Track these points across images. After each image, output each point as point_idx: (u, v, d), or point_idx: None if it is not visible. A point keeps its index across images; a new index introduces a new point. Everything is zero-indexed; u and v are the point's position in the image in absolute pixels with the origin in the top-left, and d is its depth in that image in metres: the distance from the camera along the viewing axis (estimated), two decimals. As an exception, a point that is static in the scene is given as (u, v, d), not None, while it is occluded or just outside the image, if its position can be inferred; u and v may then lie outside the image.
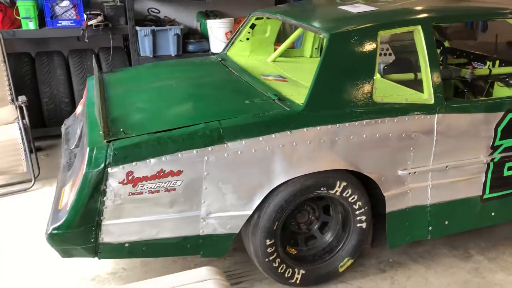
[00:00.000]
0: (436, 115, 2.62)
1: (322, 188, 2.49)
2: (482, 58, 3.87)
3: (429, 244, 3.08)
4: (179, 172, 2.27)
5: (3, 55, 4.27)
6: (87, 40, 4.62)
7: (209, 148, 2.29)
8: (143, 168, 2.22)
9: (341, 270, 2.71)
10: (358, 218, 2.63)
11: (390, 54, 3.76)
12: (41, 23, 4.63)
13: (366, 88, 2.52)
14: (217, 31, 5.13)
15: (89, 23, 4.57)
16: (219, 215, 2.39)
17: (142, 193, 2.25)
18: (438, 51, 3.80)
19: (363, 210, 2.62)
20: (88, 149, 2.21)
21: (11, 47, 4.95)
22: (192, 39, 5.24)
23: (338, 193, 2.53)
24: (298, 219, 2.70)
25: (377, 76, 2.73)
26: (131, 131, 2.30)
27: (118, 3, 4.84)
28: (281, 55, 3.72)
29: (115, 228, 2.28)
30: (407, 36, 3.94)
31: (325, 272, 2.69)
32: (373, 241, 2.99)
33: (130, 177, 2.21)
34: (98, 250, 2.32)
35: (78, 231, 2.24)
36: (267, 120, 2.39)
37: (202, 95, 2.83)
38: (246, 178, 2.37)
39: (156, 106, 2.68)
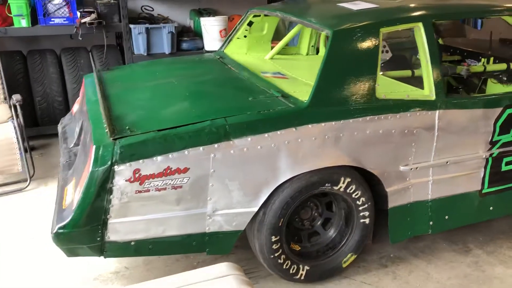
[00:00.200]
0: (437, 111, 2.65)
1: (326, 184, 2.51)
2: (476, 55, 3.93)
3: (428, 239, 3.11)
4: (186, 170, 2.26)
5: (-4, 53, 4.22)
6: (80, 38, 4.58)
7: (216, 145, 2.29)
8: (150, 165, 2.21)
9: (344, 265, 2.73)
10: (361, 213, 2.65)
11: (387, 51, 3.79)
12: (34, 20, 4.57)
13: (369, 84, 2.53)
14: (211, 29, 5.13)
15: (83, 20, 4.53)
16: (225, 212, 2.39)
17: (149, 190, 2.24)
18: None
19: (366, 205, 2.64)
20: (94, 147, 2.19)
21: (1, 46, 4.90)
22: (186, 37, 5.22)
23: (342, 189, 2.55)
24: (302, 215, 2.71)
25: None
26: (136, 129, 2.29)
27: (112, 1, 4.79)
28: (278, 53, 3.72)
29: (122, 226, 2.27)
30: (403, 34, 4.00)
31: (329, 268, 2.70)
32: (373, 236, 3.01)
33: (137, 175, 2.20)
34: (104, 249, 2.30)
35: (84, 230, 2.22)
36: (273, 116, 2.40)
37: (204, 92, 2.82)
38: (252, 175, 2.37)
39: (159, 104, 2.66)
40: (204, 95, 2.76)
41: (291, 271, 2.60)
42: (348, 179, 2.54)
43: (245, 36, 3.75)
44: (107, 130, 2.24)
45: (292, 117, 2.42)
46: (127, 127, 2.29)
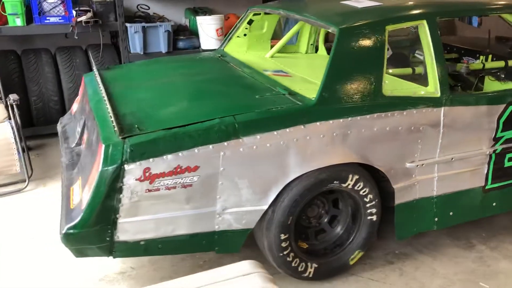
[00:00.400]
0: (443, 108, 2.67)
1: (335, 182, 2.51)
2: (473, 53, 3.96)
3: (432, 235, 3.13)
4: (196, 168, 2.25)
5: (-10, 52, 4.15)
6: (76, 37, 4.53)
7: (225, 143, 2.28)
8: (160, 164, 2.19)
9: (351, 262, 2.73)
10: (368, 210, 2.66)
11: (387, 49, 3.80)
12: (28, 19, 4.51)
13: (376, 81, 2.54)
14: (207, 27, 5.10)
15: (79, 19, 4.48)
16: (234, 210, 2.38)
17: (159, 189, 2.22)
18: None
19: (374, 202, 2.65)
20: (103, 146, 2.17)
21: (-5, 45, 4.82)
22: (182, 36, 5.19)
23: (350, 186, 2.55)
24: (308, 213, 2.70)
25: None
26: (145, 127, 2.26)
27: (108, -1, 4.75)
28: (277, 51, 3.72)
29: (131, 226, 2.25)
30: (401, 32, 4.03)
31: (336, 265, 2.71)
32: (377, 233, 3.02)
33: (147, 174, 2.18)
34: (113, 249, 2.28)
35: (94, 230, 2.19)
36: (281, 114, 2.39)
37: (209, 90, 2.80)
38: (261, 172, 2.36)
39: (165, 102, 2.64)
40: (210, 93, 2.74)
41: (299, 269, 2.60)
42: (356, 176, 2.55)
43: (245, 35, 3.74)
44: (116, 129, 2.22)
45: (301, 114, 2.41)
46: (136, 126, 2.27)
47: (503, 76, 3.60)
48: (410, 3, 2.87)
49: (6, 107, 3.94)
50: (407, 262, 2.89)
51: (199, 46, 5.21)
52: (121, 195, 2.17)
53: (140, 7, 5.22)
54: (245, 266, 1.43)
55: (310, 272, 2.63)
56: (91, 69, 4.80)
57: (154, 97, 2.75)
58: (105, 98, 2.56)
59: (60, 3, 4.49)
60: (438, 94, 2.67)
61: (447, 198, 2.83)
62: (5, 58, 4.55)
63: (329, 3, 3.13)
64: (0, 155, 3.64)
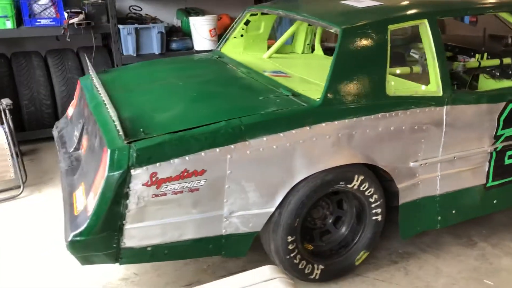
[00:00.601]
0: (445, 107, 2.68)
1: (341, 183, 2.50)
2: (467, 51, 3.99)
3: (433, 233, 3.14)
4: (203, 172, 2.22)
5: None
6: (68, 40, 4.46)
7: (232, 146, 2.25)
8: (167, 168, 2.15)
9: (357, 263, 2.73)
10: (374, 211, 2.66)
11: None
12: (18, 22, 4.42)
13: (379, 81, 2.54)
14: (200, 28, 5.07)
15: (71, 21, 4.41)
16: (241, 213, 2.36)
17: (165, 194, 2.18)
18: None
19: (379, 203, 2.64)
20: (108, 151, 2.12)
21: (-18, 48, 4.72)
22: (175, 37, 5.15)
23: (355, 187, 2.55)
24: (313, 214, 2.69)
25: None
26: (150, 131, 2.23)
27: (100, 1, 4.68)
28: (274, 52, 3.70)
29: (138, 231, 2.21)
30: (398, 31, 4.03)
31: (343, 266, 2.70)
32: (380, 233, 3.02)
33: (154, 179, 2.14)
34: (120, 255, 2.24)
35: (100, 237, 2.15)
36: (287, 116, 2.37)
37: (212, 92, 2.77)
38: (268, 175, 2.35)
39: (168, 105, 2.60)
40: (212, 95, 2.71)
41: (306, 271, 2.59)
42: (362, 177, 2.54)
43: (241, 35, 3.72)
44: (120, 133, 2.18)
45: (306, 115, 2.40)
46: (141, 130, 2.23)
47: (498, 74, 3.64)
48: (411, 2, 2.87)
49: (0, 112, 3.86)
50: (411, 261, 2.90)
51: (192, 47, 5.18)
52: (127, 201, 2.14)
53: (133, 8, 5.17)
54: (266, 271, 1.41)
55: (316, 274, 2.62)
56: (83, 72, 4.74)
57: (155, 100, 2.71)
58: (107, 101, 2.51)
59: (51, 5, 4.42)
60: (440, 93, 2.68)
61: (449, 196, 2.84)
62: (-6, 61, 4.47)
63: (329, 3, 3.13)
64: (-6, 161, 3.57)
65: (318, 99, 2.47)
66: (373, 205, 2.64)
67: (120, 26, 4.72)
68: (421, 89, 2.74)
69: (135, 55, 4.84)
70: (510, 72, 3.66)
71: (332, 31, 2.66)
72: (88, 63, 3.18)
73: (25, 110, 4.56)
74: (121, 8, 5.17)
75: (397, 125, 2.57)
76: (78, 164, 2.78)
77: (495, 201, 3.03)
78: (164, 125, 2.30)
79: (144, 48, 4.90)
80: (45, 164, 4.26)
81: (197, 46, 5.14)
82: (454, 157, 2.78)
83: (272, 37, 4.36)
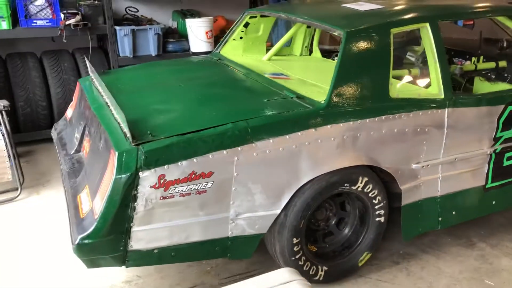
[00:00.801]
0: (446, 109, 2.71)
1: (345, 185, 2.52)
2: (462, 54, 4.04)
3: (433, 234, 3.18)
4: (210, 174, 2.22)
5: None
6: (65, 41, 4.43)
7: (239, 148, 2.26)
8: (175, 171, 2.15)
9: (360, 264, 2.75)
10: (377, 212, 2.68)
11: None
12: (14, 22, 4.38)
13: (383, 84, 2.57)
14: (197, 30, 5.07)
15: (67, 22, 4.38)
16: (248, 215, 2.36)
17: (173, 196, 2.18)
18: (422, 49, 3.93)
19: (382, 204, 2.67)
20: (116, 153, 2.11)
21: (-24, 49, 4.67)
22: (172, 39, 5.14)
23: (360, 189, 2.57)
24: (317, 216, 2.71)
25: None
26: (157, 133, 2.22)
27: (96, 2, 4.65)
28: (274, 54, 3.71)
29: (145, 234, 2.20)
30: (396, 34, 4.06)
31: (346, 267, 2.72)
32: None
33: (162, 181, 2.14)
34: (126, 258, 2.23)
35: (108, 240, 2.14)
36: (293, 118, 2.39)
37: (215, 94, 2.78)
38: (274, 177, 2.35)
39: (172, 107, 2.60)
40: (216, 98, 2.71)
41: (311, 272, 2.60)
42: (366, 179, 2.56)
43: (241, 38, 3.73)
44: (128, 135, 2.17)
45: (312, 118, 2.41)
46: (148, 132, 2.22)
47: (494, 77, 3.69)
48: (413, 6, 2.90)
49: (-4, 113, 3.82)
50: (412, 262, 2.92)
51: (189, 49, 5.17)
52: (135, 203, 2.13)
53: (129, 9, 5.14)
54: (284, 274, 1.42)
55: (320, 275, 2.64)
56: (79, 73, 4.71)
57: (159, 102, 2.70)
58: (112, 103, 2.50)
59: (48, 6, 4.38)
60: (442, 96, 2.71)
61: (450, 197, 2.87)
62: (-11, 62, 4.41)
63: (330, 6, 3.15)
64: (-9, 163, 3.53)
65: (323, 101, 2.48)
66: (376, 207, 2.66)
67: (117, 28, 4.71)
68: (423, 92, 2.77)
69: (131, 56, 4.82)
70: (506, 75, 3.71)
71: (335, 34, 2.69)
72: (89, 65, 3.17)
73: (21, 112, 4.51)
74: (117, 9, 5.14)
75: (401, 127, 2.59)
76: (80, 166, 2.76)
77: (493, 202, 3.07)
78: (171, 127, 2.30)
79: (140, 50, 4.88)
80: (41, 166, 4.22)
81: (194, 48, 5.14)
82: (455, 158, 2.81)
83: (268, 39, 4.37)
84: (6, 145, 3.62)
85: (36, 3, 4.34)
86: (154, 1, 5.42)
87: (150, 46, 4.88)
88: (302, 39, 3.98)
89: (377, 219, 2.70)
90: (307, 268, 2.58)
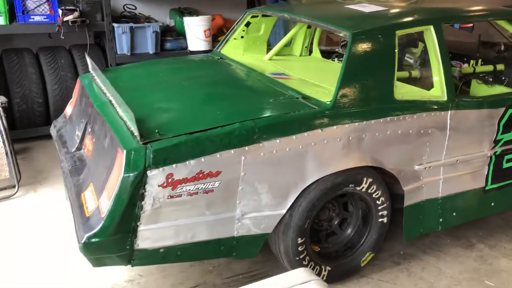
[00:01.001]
0: (449, 111, 2.73)
1: (350, 185, 2.53)
2: (460, 57, 4.08)
3: (432, 235, 3.20)
4: (218, 173, 2.22)
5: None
6: (63, 37, 4.39)
7: (246, 148, 2.26)
8: (183, 170, 2.14)
9: (363, 264, 2.77)
10: (380, 213, 2.70)
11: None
12: (11, 18, 4.32)
13: (388, 85, 2.58)
14: (195, 28, 5.05)
15: (65, 19, 4.34)
16: (253, 215, 2.37)
17: (181, 195, 2.17)
18: (419, 51, 3.96)
19: (385, 205, 2.69)
20: (124, 152, 2.10)
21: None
22: (169, 37, 5.11)
23: (364, 189, 2.58)
24: (320, 216, 2.71)
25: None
26: (165, 132, 2.21)
27: (94, -2, 4.62)
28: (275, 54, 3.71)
29: (151, 233, 2.19)
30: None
31: (349, 267, 2.73)
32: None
33: (170, 180, 2.13)
34: (132, 257, 2.22)
35: (115, 239, 2.12)
36: (300, 118, 2.39)
37: (220, 93, 2.77)
38: (281, 177, 2.36)
39: (176, 106, 2.59)
40: (221, 97, 2.71)
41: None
42: (370, 180, 2.58)
43: (242, 37, 3.72)
44: (136, 133, 2.16)
45: (318, 118, 2.42)
46: (156, 130, 2.21)
47: (491, 79, 3.73)
48: (417, 8, 2.93)
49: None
50: (413, 263, 2.95)
51: (187, 47, 5.15)
52: (143, 202, 2.12)
53: (127, 7, 5.11)
54: (301, 274, 1.42)
55: (324, 275, 2.64)
56: (76, 70, 4.68)
57: (162, 101, 2.69)
58: (119, 101, 2.48)
59: (45, 2, 4.34)
60: (445, 98, 2.73)
61: (451, 199, 2.90)
62: (-15, 58, 4.36)
63: (334, 7, 3.16)
64: (-11, 160, 3.49)
65: (328, 102, 2.49)
66: (379, 207, 2.68)
67: (115, 25, 4.67)
68: (426, 94, 2.80)
69: (129, 54, 4.79)
70: (503, 78, 3.76)
71: (341, 35, 2.70)
72: (91, 62, 3.14)
73: (17, 108, 4.46)
74: (115, 6, 5.11)
75: (405, 128, 2.61)
76: (82, 164, 2.74)
77: (492, 204, 3.10)
78: (178, 126, 2.29)
79: (138, 48, 4.85)
80: (38, 163, 4.18)
81: (191, 47, 5.12)
82: (457, 160, 2.84)
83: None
84: (4, 142, 3.58)
85: (34, -2, 4.29)
86: (152, -2, 5.40)
87: (148, 44, 4.85)
88: (303, 39, 3.98)
89: (380, 219, 2.71)
90: (311, 268, 2.58)
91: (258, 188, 2.33)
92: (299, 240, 2.49)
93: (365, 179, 2.56)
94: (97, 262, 2.19)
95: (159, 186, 2.12)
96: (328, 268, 2.65)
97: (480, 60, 3.89)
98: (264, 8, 3.62)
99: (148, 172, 2.09)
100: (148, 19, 5.07)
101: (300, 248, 2.51)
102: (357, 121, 2.48)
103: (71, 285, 2.68)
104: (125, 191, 2.08)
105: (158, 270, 2.79)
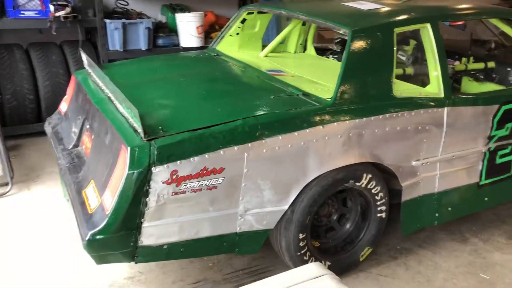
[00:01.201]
0: (446, 108, 2.77)
1: (350, 181, 2.56)
2: (452, 55, 4.14)
3: (427, 229, 3.25)
4: (221, 170, 2.22)
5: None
6: (55, 33, 4.34)
7: (249, 144, 2.27)
8: (187, 166, 2.15)
9: (361, 259, 2.80)
10: (379, 208, 2.73)
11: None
12: (1, 13, 4.26)
13: (387, 82, 2.61)
14: (187, 25, 5.04)
15: (57, 14, 4.28)
16: (256, 211, 2.38)
17: (185, 192, 2.18)
18: (411, 48, 4.01)
19: (384, 200, 2.72)
20: (129, 148, 2.09)
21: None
22: (162, 33, 5.09)
23: (363, 185, 2.61)
24: (319, 211, 2.74)
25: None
26: (168, 129, 2.21)
27: (86, -6, 4.57)
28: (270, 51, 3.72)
29: (155, 230, 2.19)
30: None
31: (348, 262, 2.76)
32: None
33: (174, 176, 2.13)
34: (136, 254, 2.21)
35: (119, 235, 2.12)
36: (302, 115, 2.41)
37: (220, 90, 2.77)
38: (283, 173, 2.37)
39: (177, 103, 2.59)
40: (221, 94, 2.71)
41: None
42: (370, 175, 2.61)
43: (237, 34, 3.72)
44: (140, 130, 2.15)
45: (320, 115, 2.44)
46: (159, 127, 2.20)
47: (482, 77, 3.79)
48: (414, 6, 2.96)
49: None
50: (410, 257, 2.99)
51: (179, 43, 5.13)
52: (147, 199, 2.11)
53: (119, 3, 5.06)
54: (313, 268, 1.44)
55: (324, 270, 2.67)
56: (67, 66, 4.63)
57: (162, 97, 2.68)
58: (119, 97, 2.46)
59: (36, -3, 4.28)
60: (442, 95, 2.78)
61: (446, 194, 2.95)
62: (-25, 54, 4.29)
63: (332, 5, 3.18)
64: (-19, 157, 3.44)
65: (329, 99, 2.51)
66: (378, 203, 2.71)
67: (107, 21, 4.63)
68: (423, 91, 2.83)
69: (121, 50, 4.76)
70: (494, 76, 3.82)
71: (341, 32, 2.73)
72: (87, 58, 3.11)
73: (7, 105, 4.40)
74: (107, 2, 5.06)
75: (403, 125, 2.64)
76: (81, 161, 2.72)
77: (486, 199, 3.16)
78: (180, 122, 2.29)
79: (131, 44, 4.82)
80: (29, 160, 4.13)
81: (184, 43, 5.10)
82: (453, 156, 2.88)
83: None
84: (-3, 139, 3.54)
85: (25, -7, 4.23)
86: (143, -6, 5.36)
87: (141, 40, 4.82)
88: (297, 36, 3.99)
89: (378, 214, 2.75)
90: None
91: (261, 185, 2.34)
92: (301, 236, 2.52)
93: (364, 175, 2.59)
94: (101, 259, 2.18)
95: (163, 182, 2.12)
96: (328, 263, 2.68)
97: (471, 58, 3.96)
98: (261, 4, 3.63)
99: (153, 169, 2.09)
100: (140, 15, 5.03)
101: (301, 244, 2.54)
102: (357, 118, 2.51)
103: (70, 283, 2.66)
104: (129, 188, 2.07)
105: (158, 267, 2.79)
